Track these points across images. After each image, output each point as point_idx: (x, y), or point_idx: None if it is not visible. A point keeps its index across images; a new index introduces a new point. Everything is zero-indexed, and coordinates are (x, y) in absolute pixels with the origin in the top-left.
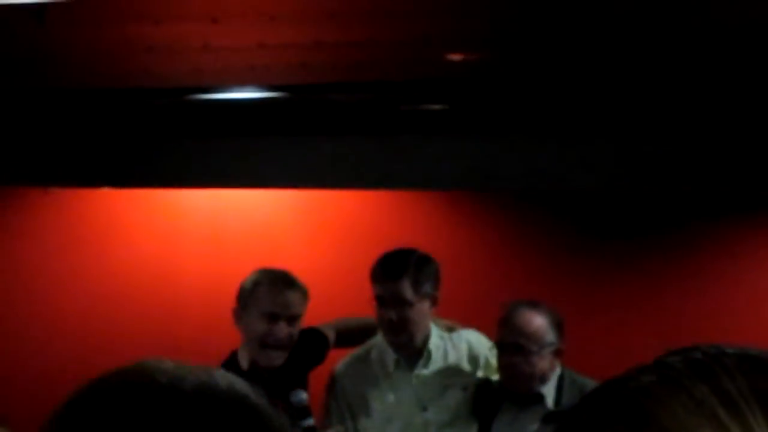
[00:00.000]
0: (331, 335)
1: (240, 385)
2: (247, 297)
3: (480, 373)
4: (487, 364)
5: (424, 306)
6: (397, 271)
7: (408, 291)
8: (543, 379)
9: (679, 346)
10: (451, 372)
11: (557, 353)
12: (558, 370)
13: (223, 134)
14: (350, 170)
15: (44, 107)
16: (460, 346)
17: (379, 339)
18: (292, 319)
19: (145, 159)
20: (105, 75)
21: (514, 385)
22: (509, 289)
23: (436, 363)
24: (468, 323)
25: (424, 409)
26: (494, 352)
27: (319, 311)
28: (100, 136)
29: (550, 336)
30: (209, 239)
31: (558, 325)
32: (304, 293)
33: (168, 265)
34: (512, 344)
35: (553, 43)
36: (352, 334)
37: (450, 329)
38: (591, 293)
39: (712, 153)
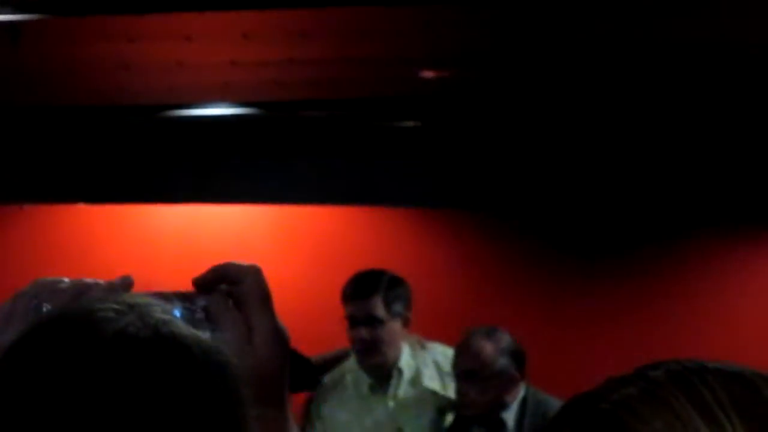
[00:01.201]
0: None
1: (192, 337)
2: None
3: (452, 392)
4: None
5: (396, 326)
6: (367, 289)
7: (379, 309)
8: (500, 405)
9: (654, 360)
10: (425, 392)
11: (511, 380)
12: (522, 392)
13: (197, 151)
14: (323, 186)
15: (19, 125)
16: (434, 362)
17: (353, 363)
18: None
19: (119, 175)
20: (79, 93)
21: (465, 412)
22: (481, 306)
23: (410, 383)
24: (439, 341)
25: (400, 431)
26: None
27: (291, 328)
28: (75, 153)
29: (501, 363)
30: (184, 256)
31: (512, 352)
32: None
33: (143, 282)
34: (463, 371)
35: (525, 61)
36: (326, 366)
37: (421, 345)
38: (563, 311)
39: (688, 167)
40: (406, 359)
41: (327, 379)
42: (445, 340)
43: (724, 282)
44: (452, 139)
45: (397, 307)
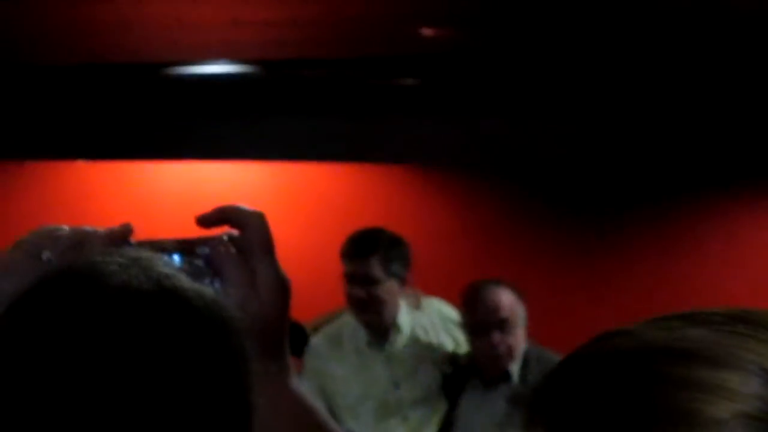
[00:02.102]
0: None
1: (194, 291)
2: None
3: (451, 347)
4: (459, 338)
5: (393, 285)
6: (366, 249)
7: (376, 269)
8: (516, 355)
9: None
10: (422, 347)
11: (527, 326)
12: (524, 347)
13: (198, 108)
14: (323, 144)
15: (20, 83)
16: (431, 319)
17: (350, 318)
18: None
19: (120, 132)
20: (80, 50)
21: (493, 366)
22: (481, 263)
23: (407, 339)
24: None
25: (397, 386)
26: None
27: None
28: (76, 110)
29: (521, 310)
30: (183, 212)
31: (523, 300)
32: None
33: (142, 237)
34: (491, 322)
35: (525, 19)
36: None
37: (417, 304)
38: (565, 269)
39: (683, 128)
40: (403, 316)
41: (324, 334)
42: (446, 298)
43: (730, 239)
44: (452, 97)
45: (395, 267)
